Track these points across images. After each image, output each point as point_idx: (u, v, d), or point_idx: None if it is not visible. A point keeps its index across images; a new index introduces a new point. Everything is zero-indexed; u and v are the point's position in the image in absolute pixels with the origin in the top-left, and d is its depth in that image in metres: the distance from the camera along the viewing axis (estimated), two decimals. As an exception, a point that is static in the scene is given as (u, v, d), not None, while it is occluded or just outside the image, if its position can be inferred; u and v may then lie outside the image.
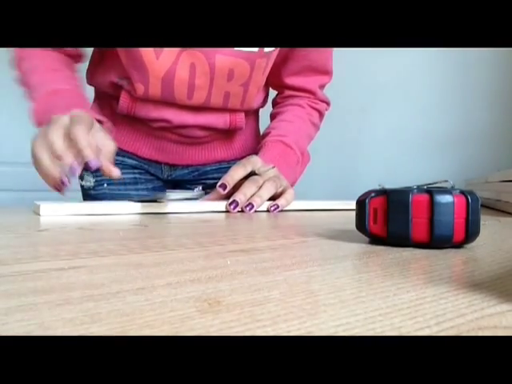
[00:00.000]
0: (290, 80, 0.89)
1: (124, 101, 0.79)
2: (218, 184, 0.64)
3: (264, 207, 0.64)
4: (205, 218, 0.52)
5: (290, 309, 0.16)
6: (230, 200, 0.61)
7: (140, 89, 0.75)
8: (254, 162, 0.69)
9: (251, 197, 0.64)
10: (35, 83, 0.70)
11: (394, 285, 0.20)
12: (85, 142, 0.54)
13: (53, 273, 0.21)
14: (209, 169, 0.91)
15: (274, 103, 0.93)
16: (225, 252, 0.28)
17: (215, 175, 0.91)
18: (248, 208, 0.62)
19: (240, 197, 0.62)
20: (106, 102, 0.85)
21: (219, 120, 0.83)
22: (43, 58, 0.73)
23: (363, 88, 1.61)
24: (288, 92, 0.91)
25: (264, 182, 0.66)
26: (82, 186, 0.88)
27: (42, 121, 0.63)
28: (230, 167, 0.92)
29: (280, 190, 0.69)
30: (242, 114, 0.85)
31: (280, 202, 0.66)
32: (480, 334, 0.14)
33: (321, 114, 0.93)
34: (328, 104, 0.95)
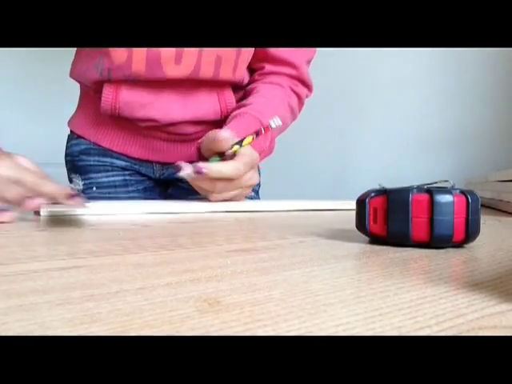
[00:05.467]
0: (275, 49, 0.80)
1: (107, 98, 0.75)
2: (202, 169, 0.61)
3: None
4: (205, 218, 0.52)
5: (290, 308, 0.16)
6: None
7: (123, 56, 0.70)
8: (251, 163, 0.65)
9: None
10: None
11: (394, 284, 0.20)
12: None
13: (53, 273, 0.21)
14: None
15: (251, 81, 0.85)
16: (225, 252, 0.28)
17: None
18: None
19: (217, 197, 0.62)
20: (91, 102, 0.82)
21: (209, 111, 0.79)
22: None
23: (363, 88, 1.61)
24: (269, 67, 0.82)
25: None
26: None
27: None
28: None
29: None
30: (232, 98, 0.80)
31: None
32: (480, 333, 0.14)
33: (300, 100, 0.86)
34: (310, 89, 0.88)
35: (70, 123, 0.90)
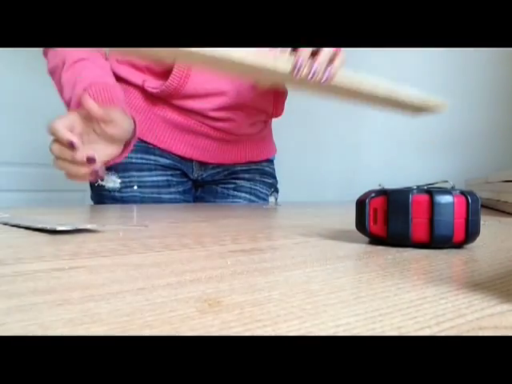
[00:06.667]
0: None
1: (179, 66, 0.72)
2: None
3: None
4: (205, 218, 0.52)
5: (290, 309, 0.16)
6: (294, 64, 0.50)
7: None
8: None
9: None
10: (66, 79, 0.67)
11: (394, 285, 0.20)
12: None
13: (53, 273, 0.21)
14: (239, 169, 0.90)
15: None
16: (225, 252, 0.28)
17: (246, 175, 0.91)
18: (326, 77, 0.53)
19: (301, 60, 0.51)
20: (135, 96, 0.80)
21: (267, 96, 0.80)
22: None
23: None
24: None
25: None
26: (99, 188, 0.80)
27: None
28: (257, 169, 0.92)
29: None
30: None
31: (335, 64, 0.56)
32: (480, 334, 0.14)
33: None
34: None
35: None
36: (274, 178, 0.98)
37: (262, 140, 0.92)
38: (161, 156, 0.83)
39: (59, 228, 0.35)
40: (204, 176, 0.89)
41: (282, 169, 1.42)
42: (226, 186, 0.90)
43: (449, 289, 0.20)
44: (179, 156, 0.84)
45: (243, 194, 0.91)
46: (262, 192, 0.93)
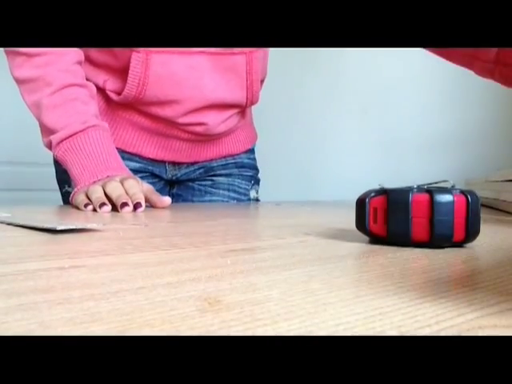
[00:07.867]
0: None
1: (135, 69, 0.69)
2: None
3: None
4: (205, 218, 0.52)
5: (290, 308, 0.16)
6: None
7: None
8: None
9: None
10: (54, 122, 0.65)
11: (394, 284, 0.20)
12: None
13: (53, 272, 0.21)
14: (215, 165, 0.87)
15: None
16: (225, 251, 0.28)
17: (222, 171, 0.88)
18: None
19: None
20: (99, 101, 0.77)
21: (237, 91, 0.77)
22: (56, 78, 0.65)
23: (363, 89, 1.61)
24: None
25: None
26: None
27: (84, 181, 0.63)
28: (235, 162, 0.88)
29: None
30: (259, 75, 0.78)
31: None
32: (480, 333, 0.14)
33: None
34: None
35: None
36: (254, 168, 0.93)
37: (240, 130, 0.88)
38: (130, 160, 0.79)
39: (59, 227, 0.35)
40: (179, 175, 0.86)
41: (281, 170, 1.42)
42: (202, 183, 0.88)
43: (448, 288, 0.20)
44: (150, 159, 0.82)
45: (221, 191, 0.88)
46: (240, 187, 0.90)
